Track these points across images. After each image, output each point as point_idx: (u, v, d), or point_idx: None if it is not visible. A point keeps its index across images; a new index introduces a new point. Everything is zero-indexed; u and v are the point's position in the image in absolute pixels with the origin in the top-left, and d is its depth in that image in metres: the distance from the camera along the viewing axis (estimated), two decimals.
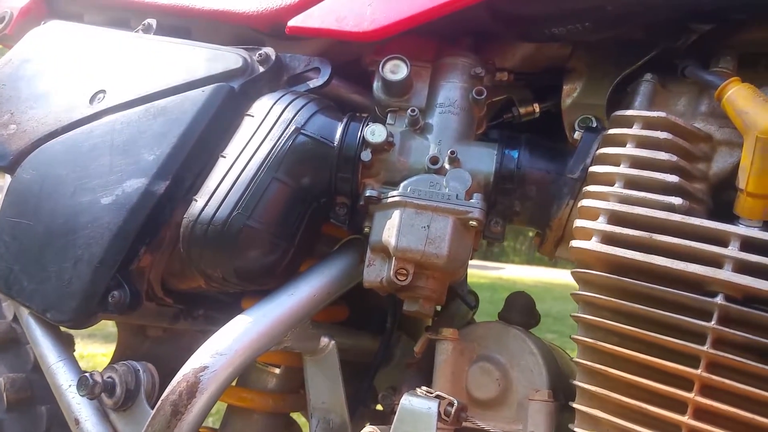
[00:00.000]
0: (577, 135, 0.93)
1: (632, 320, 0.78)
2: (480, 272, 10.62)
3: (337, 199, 0.97)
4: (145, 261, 1.02)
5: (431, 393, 0.74)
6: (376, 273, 0.91)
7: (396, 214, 0.89)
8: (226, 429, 1.16)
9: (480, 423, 0.74)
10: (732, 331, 0.71)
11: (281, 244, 0.96)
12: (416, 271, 0.89)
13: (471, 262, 0.94)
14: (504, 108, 1.12)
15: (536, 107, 1.06)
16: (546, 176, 0.92)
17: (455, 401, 0.73)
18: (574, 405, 0.81)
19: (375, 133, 0.93)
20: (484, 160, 0.93)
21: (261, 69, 1.07)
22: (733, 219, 0.79)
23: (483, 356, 0.93)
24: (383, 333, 1.11)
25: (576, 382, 0.81)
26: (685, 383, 0.73)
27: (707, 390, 0.73)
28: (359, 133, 0.94)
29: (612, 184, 0.82)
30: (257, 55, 1.07)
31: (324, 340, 1.02)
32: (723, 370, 0.72)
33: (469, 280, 1.17)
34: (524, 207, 0.94)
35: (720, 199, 0.83)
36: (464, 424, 0.74)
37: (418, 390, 0.75)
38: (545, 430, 0.84)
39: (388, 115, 1.00)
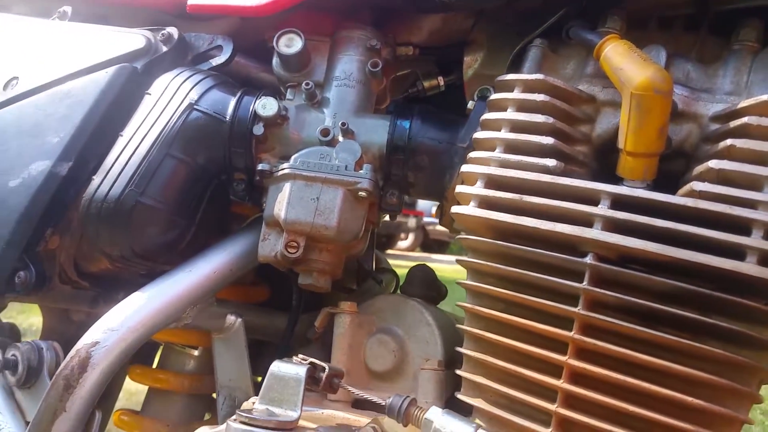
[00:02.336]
0: (470, 105, 0.92)
1: (514, 285, 0.77)
2: None
3: (235, 175, 0.97)
4: (53, 243, 1.02)
5: (305, 360, 0.73)
6: (270, 247, 0.91)
7: (286, 187, 0.89)
8: (147, 410, 1.15)
9: (369, 395, 0.73)
10: (603, 291, 0.70)
11: (180, 222, 0.95)
12: (308, 243, 0.89)
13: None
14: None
15: (441, 81, 1.06)
16: (437, 146, 0.91)
17: (327, 367, 0.72)
18: (459, 372, 0.80)
19: (266, 106, 0.92)
20: (377, 131, 0.93)
21: (164, 48, 1.06)
22: (618, 181, 0.78)
23: (381, 329, 0.93)
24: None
25: (459, 349, 0.81)
26: (561, 346, 0.73)
27: (582, 353, 0.72)
28: (251, 107, 0.93)
29: (493, 149, 0.81)
30: (160, 35, 1.07)
31: (230, 319, 1.01)
32: (599, 332, 0.72)
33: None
34: (418, 178, 0.93)
35: (610, 161, 0.82)
36: (360, 396, 0.73)
37: (294, 357, 0.74)
38: (434, 398, 0.84)
39: (288, 90, 0.99)
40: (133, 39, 1.07)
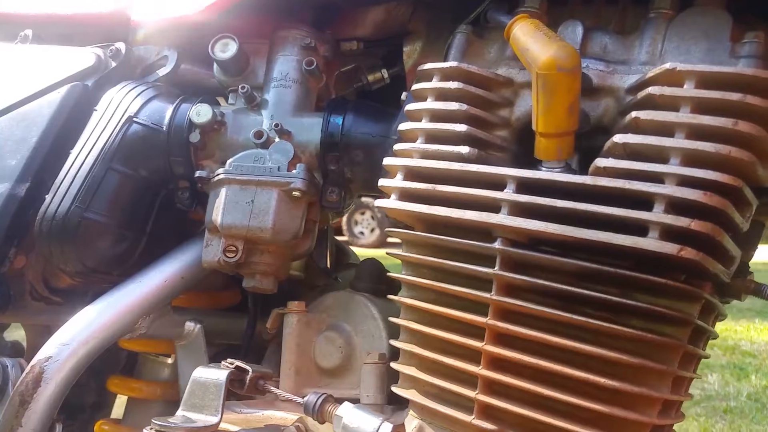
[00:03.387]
0: (404, 96, 0.92)
1: (442, 274, 0.77)
2: None
3: (179, 184, 0.98)
4: (19, 262, 1.05)
5: (231, 364, 0.74)
6: (213, 253, 0.92)
7: (222, 192, 0.90)
8: (127, 419, 1.18)
9: (290, 395, 0.74)
10: (513, 275, 0.69)
11: (128, 234, 0.97)
12: (249, 246, 0.89)
13: None
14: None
15: (385, 73, 1.05)
16: (371, 140, 0.91)
17: (251, 370, 0.72)
18: (393, 365, 0.80)
19: (200, 113, 0.93)
20: (313, 130, 0.93)
21: (113, 64, 1.08)
22: (537, 164, 0.77)
23: (330, 326, 0.93)
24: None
25: (392, 342, 0.81)
26: (480, 332, 0.72)
27: (500, 338, 0.71)
28: (187, 115, 0.94)
29: (415, 140, 0.80)
30: (109, 51, 1.09)
31: (189, 325, 1.02)
32: (519, 317, 0.71)
33: None
34: (354, 173, 0.93)
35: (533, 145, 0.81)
36: (282, 396, 0.74)
37: (224, 362, 0.75)
38: (375, 392, 0.84)
39: (230, 94, 1.00)
40: (84, 57, 1.09)
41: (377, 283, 0.98)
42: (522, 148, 0.80)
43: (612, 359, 0.65)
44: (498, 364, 0.71)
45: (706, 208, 0.61)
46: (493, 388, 0.71)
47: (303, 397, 0.72)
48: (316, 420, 0.70)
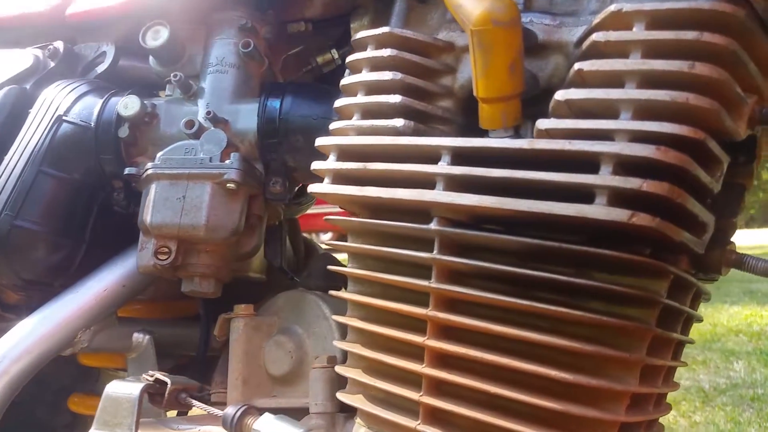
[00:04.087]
0: (347, 73, 0.84)
1: (382, 264, 0.69)
2: None
3: (114, 184, 0.91)
4: None
5: (151, 377, 0.66)
6: (147, 257, 0.84)
7: (152, 188, 0.82)
8: None
9: (210, 408, 0.66)
10: (452, 258, 0.61)
11: (65, 242, 0.90)
12: (185, 247, 0.82)
13: None
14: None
15: (335, 54, 0.97)
16: (312, 122, 0.83)
17: (169, 382, 0.65)
18: (339, 369, 0.72)
19: (128, 106, 0.86)
20: (250, 116, 0.85)
21: (52, 64, 1.02)
22: (484, 134, 0.68)
23: (281, 329, 0.85)
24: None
25: (335, 342, 0.73)
26: (425, 327, 0.63)
27: (443, 331, 0.63)
28: (115, 109, 0.87)
29: (351, 117, 0.72)
30: (47, 50, 1.03)
31: (138, 337, 0.95)
32: (460, 306, 0.62)
33: None
34: (297, 160, 0.85)
35: None
36: (204, 409, 0.66)
37: (144, 375, 0.68)
38: (324, 399, 0.75)
39: (167, 86, 0.93)
40: (22, 58, 1.03)
41: (332, 279, 0.89)
42: (469, 119, 0.72)
43: (564, 348, 0.56)
44: (443, 360, 0.63)
45: (662, 165, 0.52)
46: (440, 388, 0.63)
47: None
48: None
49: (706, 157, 0.56)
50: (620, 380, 0.57)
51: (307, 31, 0.97)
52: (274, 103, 0.84)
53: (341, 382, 0.77)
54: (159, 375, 0.66)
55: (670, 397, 3.37)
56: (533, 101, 0.67)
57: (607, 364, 0.57)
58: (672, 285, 0.59)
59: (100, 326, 0.91)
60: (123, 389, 0.64)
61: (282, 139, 0.84)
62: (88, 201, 0.91)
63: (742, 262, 0.65)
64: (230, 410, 0.63)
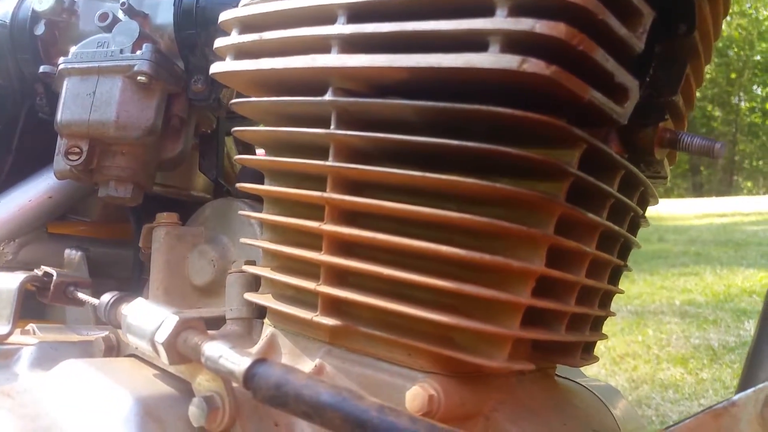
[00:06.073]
0: None
1: (287, 152, 0.63)
2: None
3: (37, 88, 0.86)
4: None
5: (41, 271, 0.61)
6: (63, 160, 0.79)
7: (64, 85, 0.77)
8: None
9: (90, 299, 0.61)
10: (348, 132, 0.55)
11: None
12: (100, 148, 0.77)
13: None
14: None
15: None
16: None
17: (55, 274, 0.60)
18: (247, 267, 0.67)
19: (42, 1, 0.80)
20: (169, 8, 0.79)
21: None
22: None
23: (207, 238, 0.80)
24: None
25: (243, 240, 0.68)
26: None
27: (343, 215, 0.57)
28: (30, 5, 0.82)
29: None
30: None
31: (69, 253, 0.91)
32: (361, 187, 0.57)
33: None
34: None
35: None
36: (91, 302, 0.61)
37: (35, 270, 0.63)
38: (239, 303, 0.70)
39: None
40: None
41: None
42: None
43: (467, 225, 0.50)
44: (342, 248, 0.57)
45: (561, 4, 0.46)
46: (340, 278, 0.58)
47: None
48: (110, 324, 0.57)
49: (620, 5, 0.49)
50: (524, 259, 0.51)
51: None
52: None
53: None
54: (47, 269, 0.62)
55: (678, 356, 3.31)
56: None
57: (512, 244, 0.52)
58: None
59: (27, 239, 0.87)
60: (3, 281, 0.60)
61: (200, 30, 0.78)
62: (12, 109, 0.87)
63: (677, 140, 0.59)
64: (105, 297, 0.58)
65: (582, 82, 0.48)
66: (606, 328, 0.73)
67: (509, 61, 0.45)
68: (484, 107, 0.48)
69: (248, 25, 0.63)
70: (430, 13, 0.50)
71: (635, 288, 4.68)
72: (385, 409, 0.42)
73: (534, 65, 0.45)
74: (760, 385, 0.47)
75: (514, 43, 0.46)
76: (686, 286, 4.66)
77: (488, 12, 0.47)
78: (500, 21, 0.46)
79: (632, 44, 0.51)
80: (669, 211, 12.20)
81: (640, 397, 2.80)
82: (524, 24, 0.45)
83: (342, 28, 0.54)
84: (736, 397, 0.48)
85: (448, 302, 0.53)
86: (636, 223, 0.70)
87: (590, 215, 0.54)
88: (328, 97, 0.56)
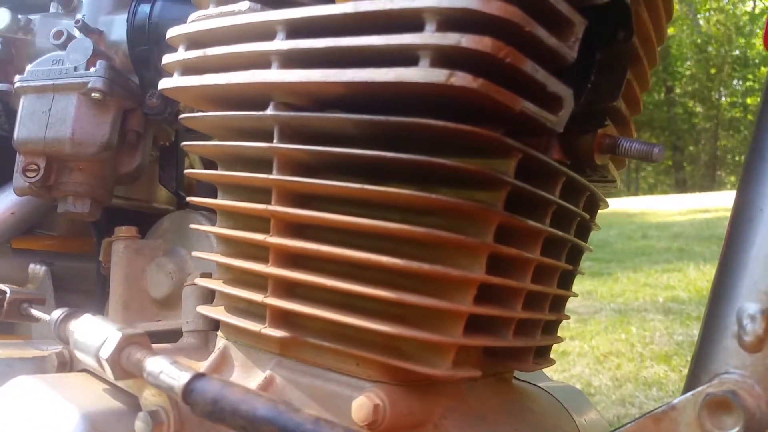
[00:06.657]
0: None
1: (234, 165, 0.64)
2: None
3: None
4: None
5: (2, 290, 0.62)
6: (21, 177, 0.79)
7: (21, 103, 0.77)
8: None
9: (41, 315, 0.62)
10: (291, 146, 0.56)
11: None
12: (57, 165, 0.77)
13: None
14: None
15: None
16: None
17: (8, 291, 0.60)
18: (200, 281, 0.67)
19: None
20: (123, 25, 0.80)
21: None
22: None
23: (165, 251, 0.81)
24: None
25: (195, 253, 0.68)
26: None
27: (288, 227, 0.58)
28: None
29: (207, 6, 0.67)
30: None
31: (34, 268, 0.91)
32: (304, 199, 0.57)
33: None
34: None
35: None
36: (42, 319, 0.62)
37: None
38: (195, 316, 0.71)
39: (51, 3, 0.88)
40: None
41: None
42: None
43: (408, 236, 0.51)
44: (289, 260, 0.58)
45: (485, 18, 0.47)
46: (288, 290, 0.58)
47: None
48: (61, 340, 0.58)
49: (547, 15, 0.50)
50: (465, 267, 0.52)
51: None
52: (145, 8, 0.79)
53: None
54: (1, 286, 0.62)
55: (662, 353, 3.32)
56: None
57: (452, 254, 0.52)
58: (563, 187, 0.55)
59: None
60: None
61: (153, 46, 0.78)
62: None
63: (615, 145, 0.60)
64: (55, 313, 0.58)
65: (511, 94, 0.48)
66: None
67: (437, 75, 0.46)
68: (417, 120, 0.49)
69: (194, 41, 0.64)
70: (366, 29, 0.51)
71: (618, 286, 4.71)
72: (321, 421, 0.42)
73: (461, 78, 0.46)
74: (698, 389, 0.48)
75: (443, 57, 0.47)
76: (669, 283, 4.69)
77: (419, 27, 0.48)
78: (428, 36, 0.47)
79: (564, 54, 0.52)
80: (652, 207, 12.25)
81: (623, 396, 2.81)
82: (451, 39, 0.46)
83: (281, 44, 0.55)
84: (675, 401, 0.49)
85: (394, 312, 0.54)
86: (586, 227, 0.71)
87: (531, 222, 0.55)
88: (269, 111, 0.57)
